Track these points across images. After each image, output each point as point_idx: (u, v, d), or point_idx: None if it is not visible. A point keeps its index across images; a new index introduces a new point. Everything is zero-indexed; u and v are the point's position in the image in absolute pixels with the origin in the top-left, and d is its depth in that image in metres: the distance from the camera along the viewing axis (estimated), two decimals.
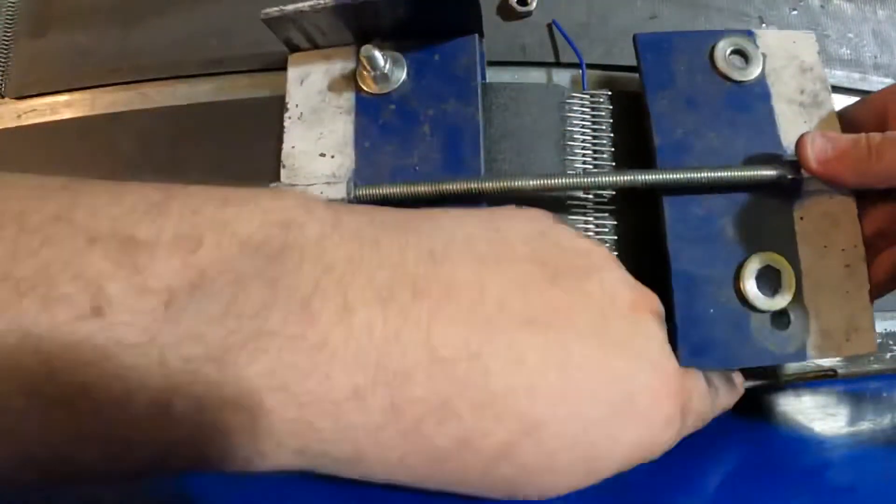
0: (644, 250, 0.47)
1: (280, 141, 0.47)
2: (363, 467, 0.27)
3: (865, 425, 0.50)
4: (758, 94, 0.46)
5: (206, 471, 0.25)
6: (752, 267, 0.43)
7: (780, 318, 0.44)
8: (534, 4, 0.53)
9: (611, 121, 0.49)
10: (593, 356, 0.29)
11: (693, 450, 0.43)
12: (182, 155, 0.52)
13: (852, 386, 0.55)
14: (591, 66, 0.53)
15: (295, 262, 0.25)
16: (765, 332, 0.43)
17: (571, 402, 0.28)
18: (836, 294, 0.44)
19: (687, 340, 0.43)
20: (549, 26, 0.53)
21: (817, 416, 0.51)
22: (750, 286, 0.43)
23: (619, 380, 0.30)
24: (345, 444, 0.26)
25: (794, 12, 0.56)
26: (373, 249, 0.28)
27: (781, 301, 0.43)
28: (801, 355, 0.43)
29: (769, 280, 0.43)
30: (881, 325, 0.56)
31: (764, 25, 0.55)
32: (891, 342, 0.56)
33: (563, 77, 0.54)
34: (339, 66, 0.47)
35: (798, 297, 0.43)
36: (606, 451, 0.30)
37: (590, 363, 0.29)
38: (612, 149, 0.48)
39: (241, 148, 0.51)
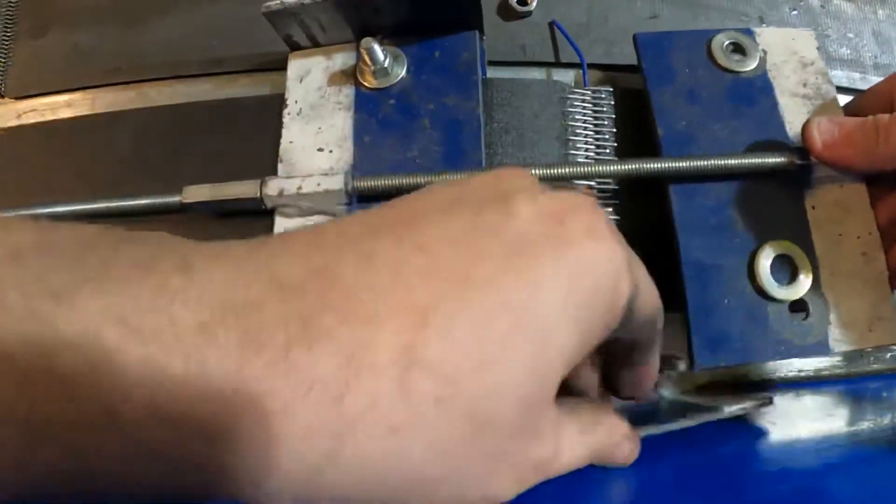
0: (650, 244, 0.47)
1: (279, 137, 0.47)
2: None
3: (865, 425, 0.50)
4: (761, 87, 0.46)
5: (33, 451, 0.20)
6: (766, 255, 0.42)
7: (798, 309, 0.43)
8: (534, 4, 0.53)
9: (613, 116, 0.49)
10: None
11: (691, 450, 0.44)
12: (181, 154, 0.52)
13: (852, 386, 0.55)
14: (591, 66, 0.53)
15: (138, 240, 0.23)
16: (784, 323, 0.42)
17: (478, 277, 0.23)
18: (856, 283, 0.43)
19: (701, 334, 0.42)
20: (550, 26, 0.53)
21: (817, 416, 0.51)
22: (765, 274, 0.42)
23: None
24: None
25: (794, 12, 0.56)
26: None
27: (799, 289, 0.42)
28: (822, 347, 0.42)
29: (784, 269, 0.42)
30: None
31: (764, 25, 0.55)
32: None
33: (563, 76, 0.54)
34: (339, 62, 0.47)
35: (816, 286, 0.42)
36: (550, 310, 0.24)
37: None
38: (615, 144, 0.48)
39: (239, 145, 0.50)
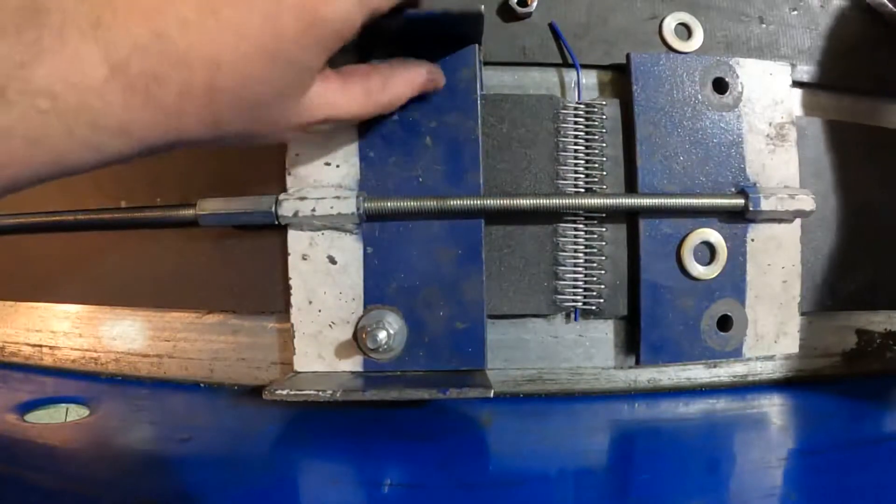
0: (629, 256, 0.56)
1: (285, 148, 0.52)
2: None
3: (865, 425, 0.53)
4: (732, 123, 0.55)
5: None
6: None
7: (724, 322, 0.54)
8: (534, 5, 0.56)
9: (603, 130, 0.55)
10: None
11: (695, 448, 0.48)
12: (185, 163, 0.55)
13: (852, 386, 0.58)
14: (591, 67, 0.58)
15: None
16: (710, 334, 0.54)
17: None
18: (772, 304, 0.55)
19: (647, 340, 0.54)
20: (550, 27, 0.56)
21: (817, 415, 0.56)
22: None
23: None
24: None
25: (795, 12, 0.59)
26: None
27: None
28: (736, 353, 0.55)
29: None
30: (881, 325, 0.59)
31: (764, 25, 0.57)
32: (891, 342, 0.60)
33: (564, 77, 0.58)
34: None
35: (741, 305, 0.54)
36: None
37: None
38: (604, 159, 0.55)
39: (246, 156, 0.56)
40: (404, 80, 0.46)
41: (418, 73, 0.47)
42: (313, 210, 0.49)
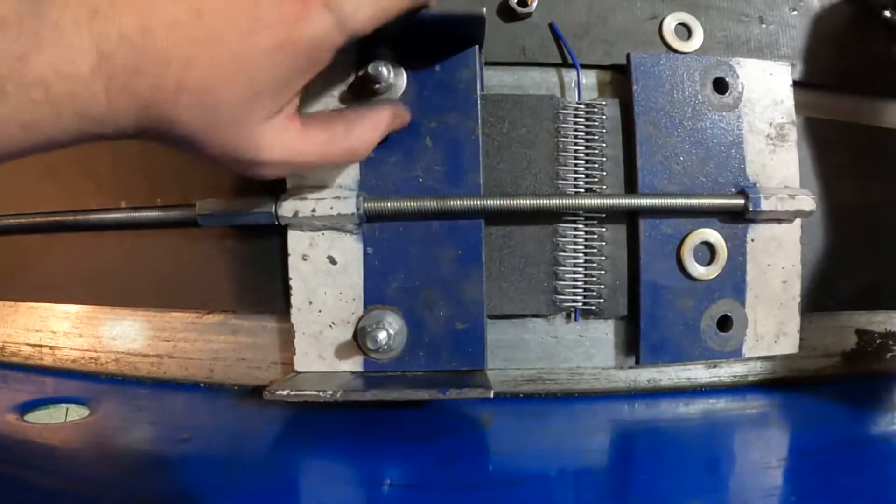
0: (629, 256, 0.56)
1: None
2: None
3: (865, 425, 0.53)
4: (732, 123, 0.55)
5: None
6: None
7: (724, 322, 0.55)
8: (534, 5, 0.56)
9: (604, 130, 0.55)
10: None
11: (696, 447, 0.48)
12: (185, 163, 0.55)
13: (852, 386, 0.58)
14: (591, 67, 0.58)
15: None
16: (710, 334, 0.54)
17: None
18: (772, 305, 0.55)
19: (647, 340, 0.54)
20: (550, 27, 0.56)
21: (817, 415, 0.56)
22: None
23: None
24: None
25: (794, 12, 0.60)
26: None
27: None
28: (736, 353, 0.55)
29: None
30: (881, 325, 0.59)
31: (764, 25, 0.57)
32: (891, 342, 0.60)
33: (564, 77, 0.58)
34: (340, 77, 0.52)
35: (741, 305, 0.54)
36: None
37: None
38: (604, 159, 0.55)
39: None
40: (371, 123, 0.46)
41: (383, 115, 0.47)
42: (313, 210, 0.50)
